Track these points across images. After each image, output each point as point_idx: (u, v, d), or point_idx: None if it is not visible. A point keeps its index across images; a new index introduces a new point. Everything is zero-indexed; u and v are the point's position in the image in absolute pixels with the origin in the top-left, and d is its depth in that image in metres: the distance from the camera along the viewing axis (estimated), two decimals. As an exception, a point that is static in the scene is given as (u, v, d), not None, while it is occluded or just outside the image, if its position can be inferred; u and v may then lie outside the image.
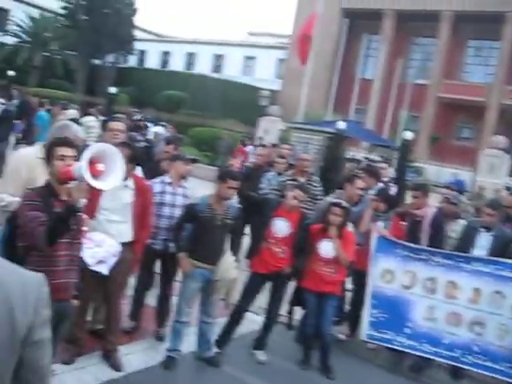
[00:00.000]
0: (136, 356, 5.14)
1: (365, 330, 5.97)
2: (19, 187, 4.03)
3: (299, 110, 24.18)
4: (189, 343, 5.33)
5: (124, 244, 4.62)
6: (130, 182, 4.70)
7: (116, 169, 3.24)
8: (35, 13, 39.21)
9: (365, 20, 37.96)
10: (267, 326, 5.66)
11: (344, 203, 5.51)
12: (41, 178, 3.83)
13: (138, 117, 20.19)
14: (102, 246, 4.30)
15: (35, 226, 3.17)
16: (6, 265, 1.68)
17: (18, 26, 38.52)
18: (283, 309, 5.86)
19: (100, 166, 3.14)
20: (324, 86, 35.84)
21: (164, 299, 5.64)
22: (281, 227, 5.46)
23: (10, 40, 38.52)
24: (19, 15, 38.93)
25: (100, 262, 4.29)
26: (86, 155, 3.07)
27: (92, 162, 3.09)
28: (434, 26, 35.13)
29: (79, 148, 3.57)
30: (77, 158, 3.44)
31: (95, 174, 3.09)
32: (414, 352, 5.81)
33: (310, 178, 7.61)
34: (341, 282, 5.73)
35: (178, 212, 5.36)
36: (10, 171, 4.20)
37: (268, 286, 5.61)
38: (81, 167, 3.05)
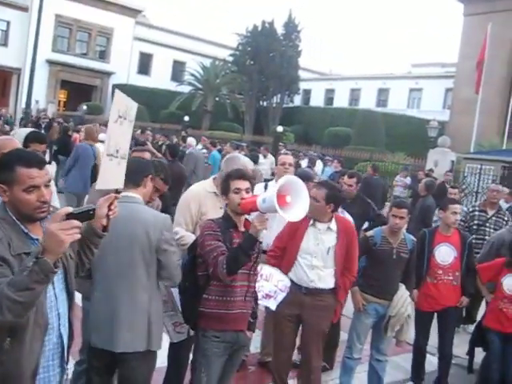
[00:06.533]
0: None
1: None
2: (189, 221, 4.21)
3: (471, 139, 23.02)
4: (359, 381, 5.12)
5: (326, 291, 4.42)
6: (333, 224, 4.44)
7: (301, 201, 3.19)
8: (206, 62, 41.99)
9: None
10: (442, 367, 5.34)
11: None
12: (211, 211, 3.93)
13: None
14: (269, 280, 4.23)
15: (216, 255, 3.24)
16: (145, 208, 3.35)
17: (192, 75, 41.50)
18: (463, 349, 5.44)
19: (288, 198, 3.12)
20: (497, 113, 33.57)
21: (332, 332, 5.49)
22: (445, 253, 5.16)
23: (185, 89, 41.58)
24: (193, 66, 41.97)
25: (267, 296, 4.17)
26: (276, 187, 3.07)
27: (280, 194, 3.09)
28: None
29: (252, 180, 3.63)
30: (250, 190, 3.50)
31: (282, 206, 3.07)
32: None
33: (500, 210, 7.18)
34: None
35: None
36: (181, 205, 4.38)
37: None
38: (271, 198, 3.05)
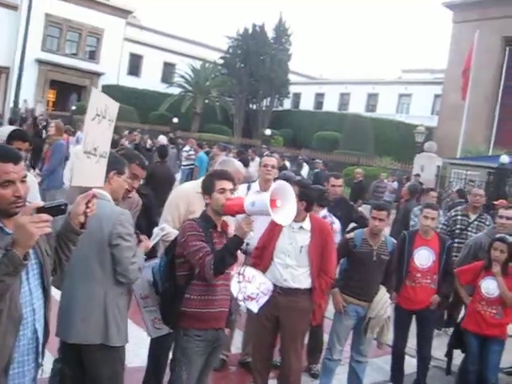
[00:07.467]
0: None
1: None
2: (176, 219, 4.27)
3: (458, 145, 23.22)
4: (339, 382, 5.16)
5: (302, 291, 4.43)
6: (306, 223, 4.48)
7: (289, 205, 3.23)
8: (197, 64, 42.00)
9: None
10: (420, 369, 5.39)
11: (509, 238, 5.09)
12: (199, 211, 3.98)
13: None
14: (252, 282, 4.21)
15: (202, 256, 3.25)
16: (105, 203, 3.23)
17: (182, 77, 41.52)
18: (443, 352, 5.49)
19: (278, 203, 3.16)
20: (484, 120, 33.90)
21: (315, 335, 5.55)
22: (424, 257, 5.21)
23: (175, 90, 41.57)
24: (183, 68, 41.97)
25: (249, 298, 4.14)
26: (269, 192, 3.10)
27: (271, 199, 3.11)
28: None
29: (239, 181, 3.65)
30: (234, 192, 3.54)
31: (272, 209, 3.10)
32: None
33: (482, 214, 7.22)
34: (507, 325, 5.23)
35: None
36: (170, 204, 4.46)
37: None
38: (263, 202, 3.08)
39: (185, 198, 4.35)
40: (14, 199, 2.23)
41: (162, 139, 14.75)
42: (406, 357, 5.60)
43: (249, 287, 4.07)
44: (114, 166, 3.41)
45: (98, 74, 44.68)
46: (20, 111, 29.25)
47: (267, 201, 3.06)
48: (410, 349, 5.65)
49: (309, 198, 4.45)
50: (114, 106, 2.64)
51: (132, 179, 3.80)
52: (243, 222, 3.20)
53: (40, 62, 41.67)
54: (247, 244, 3.51)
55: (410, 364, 5.61)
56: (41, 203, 2.09)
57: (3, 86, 41.87)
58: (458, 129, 24.34)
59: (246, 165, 11.23)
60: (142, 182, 4.27)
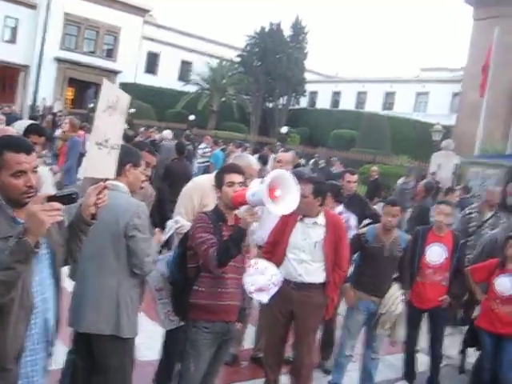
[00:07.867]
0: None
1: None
2: (190, 211, 4.30)
3: (476, 143, 22.99)
4: (351, 379, 5.15)
5: (316, 286, 4.45)
6: (320, 219, 4.49)
7: (291, 195, 3.22)
8: (213, 62, 42.09)
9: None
10: (432, 367, 5.38)
11: (525, 236, 5.04)
12: (212, 204, 4.02)
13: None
14: (264, 274, 4.23)
15: (207, 247, 3.28)
16: (121, 195, 3.31)
17: (199, 75, 41.63)
18: (455, 350, 5.45)
19: (277, 192, 3.15)
20: (503, 118, 33.54)
21: (328, 331, 5.54)
22: (436, 253, 5.19)
23: (192, 88, 41.70)
24: (200, 66, 42.09)
25: (260, 290, 4.21)
26: (266, 181, 3.10)
27: (270, 188, 3.11)
28: None
29: (251, 177, 3.65)
30: (245, 185, 3.56)
31: (272, 200, 3.10)
32: None
33: (497, 212, 7.15)
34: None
35: None
36: (183, 195, 4.50)
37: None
38: (260, 192, 3.08)
39: (199, 191, 4.40)
40: (26, 189, 2.27)
41: (168, 134, 14.81)
42: (419, 354, 5.59)
43: (261, 279, 4.08)
44: (130, 158, 3.45)
45: (116, 72, 44.85)
46: (38, 109, 29.50)
47: (264, 190, 3.04)
48: (425, 346, 5.62)
49: (324, 193, 4.46)
50: (125, 98, 2.66)
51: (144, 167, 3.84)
52: (246, 213, 3.22)
53: (59, 60, 41.87)
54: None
55: (423, 362, 5.59)
56: (52, 192, 2.12)
57: (22, 84, 42.24)
58: (476, 127, 24.09)
59: (265, 162, 11.35)
60: (157, 176, 4.31)
